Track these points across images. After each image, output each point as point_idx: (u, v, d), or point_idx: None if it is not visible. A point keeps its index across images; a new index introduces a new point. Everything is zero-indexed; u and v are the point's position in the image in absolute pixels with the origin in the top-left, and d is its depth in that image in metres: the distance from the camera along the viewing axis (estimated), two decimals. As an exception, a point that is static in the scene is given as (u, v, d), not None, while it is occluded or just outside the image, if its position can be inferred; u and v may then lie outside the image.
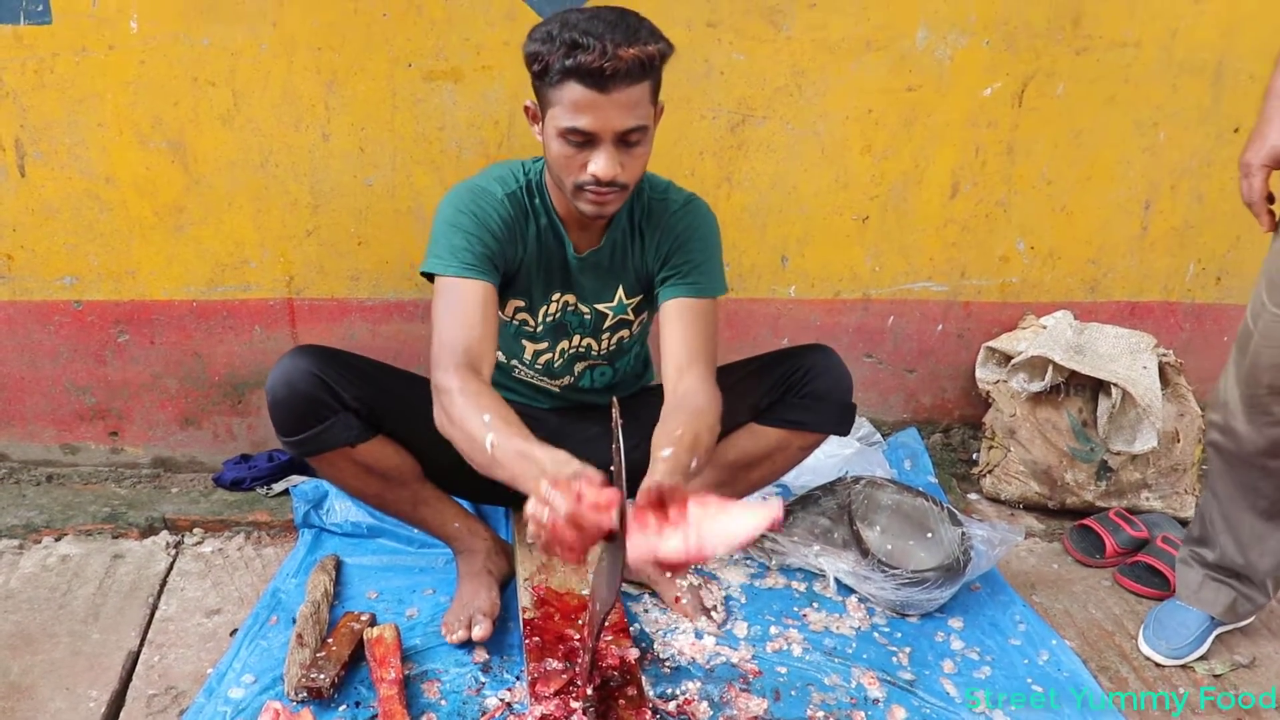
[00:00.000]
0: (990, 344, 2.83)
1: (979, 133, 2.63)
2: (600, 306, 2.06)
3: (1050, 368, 2.63)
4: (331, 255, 2.51)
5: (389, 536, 2.40)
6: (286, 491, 2.57)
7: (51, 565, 2.31)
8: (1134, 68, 2.59)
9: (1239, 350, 2.01)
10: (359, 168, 2.44)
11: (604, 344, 2.13)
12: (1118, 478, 2.69)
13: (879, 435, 2.85)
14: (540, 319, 2.06)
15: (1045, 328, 2.74)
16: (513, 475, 1.53)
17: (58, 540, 2.40)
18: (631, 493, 1.53)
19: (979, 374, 2.86)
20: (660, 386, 2.13)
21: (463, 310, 1.80)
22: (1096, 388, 2.68)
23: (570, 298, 2.04)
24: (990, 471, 2.80)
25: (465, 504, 2.28)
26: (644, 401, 2.05)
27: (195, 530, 2.46)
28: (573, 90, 1.65)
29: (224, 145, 2.39)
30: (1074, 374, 2.64)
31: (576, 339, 2.11)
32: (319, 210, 2.47)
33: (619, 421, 1.54)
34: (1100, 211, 2.77)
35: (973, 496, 2.83)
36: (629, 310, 2.09)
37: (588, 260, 1.99)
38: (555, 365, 2.14)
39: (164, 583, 2.27)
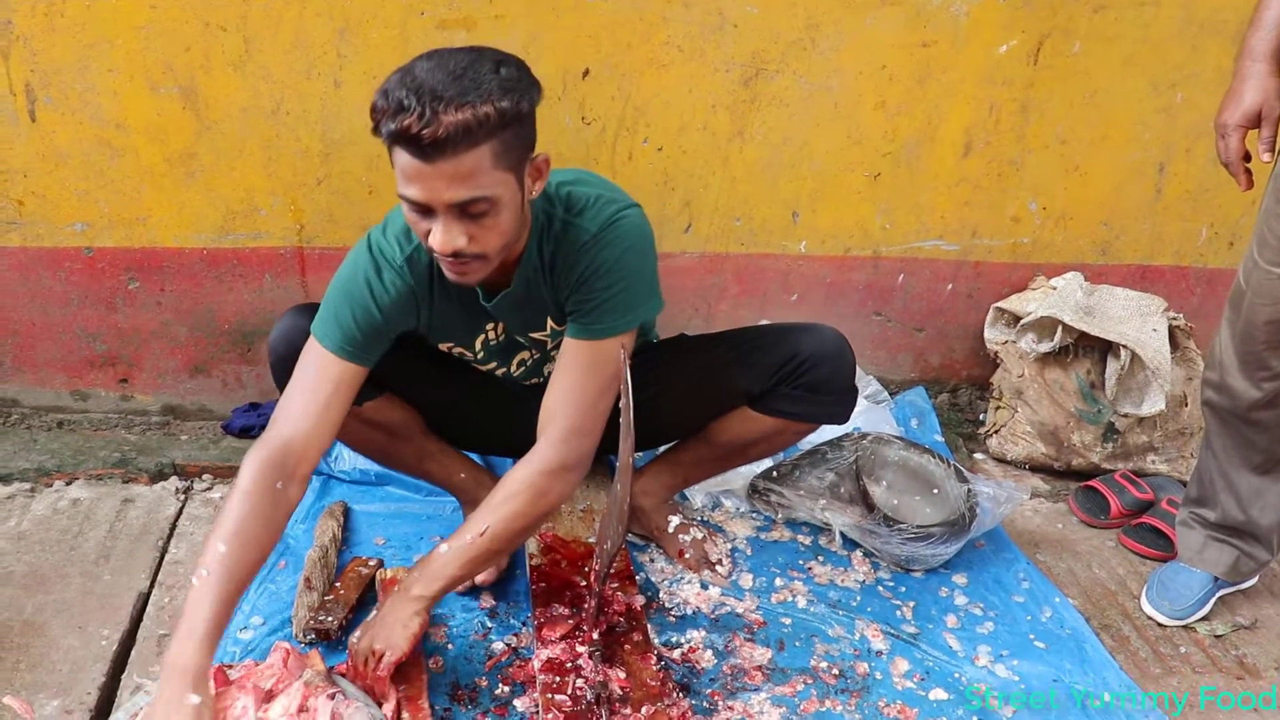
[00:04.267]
0: (1000, 304, 2.82)
1: (993, 90, 2.61)
2: (534, 335, 1.91)
3: (1059, 329, 2.63)
4: (342, 204, 2.51)
5: (397, 484, 2.41)
6: (295, 440, 2.58)
7: (63, 508, 2.32)
8: (1153, 27, 2.56)
9: (1232, 308, 2.02)
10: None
11: (555, 353, 1.93)
12: (1124, 440, 2.70)
13: (886, 394, 2.85)
14: (479, 350, 1.95)
15: (1055, 289, 2.73)
16: (174, 632, 1.49)
17: (69, 484, 2.42)
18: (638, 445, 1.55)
19: (988, 334, 2.85)
20: (664, 343, 2.15)
21: (312, 393, 1.70)
22: (1105, 350, 2.67)
23: (504, 324, 1.89)
24: (997, 432, 2.80)
25: (473, 455, 2.29)
26: (649, 360, 2.04)
27: (204, 476, 2.48)
28: (400, 156, 1.46)
29: (235, 92, 2.38)
30: (1083, 335, 2.64)
31: (533, 351, 1.98)
32: (330, 158, 2.46)
33: (627, 363, 1.55)
34: (1114, 173, 2.75)
35: (979, 456, 2.83)
36: (564, 333, 1.85)
37: (502, 303, 1.80)
38: (516, 374, 2.03)
39: (174, 527, 2.29)
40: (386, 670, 1.65)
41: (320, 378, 1.70)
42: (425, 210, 1.51)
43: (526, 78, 1.52)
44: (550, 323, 1.86)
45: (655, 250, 1.82)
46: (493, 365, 1.99)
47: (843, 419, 2.09)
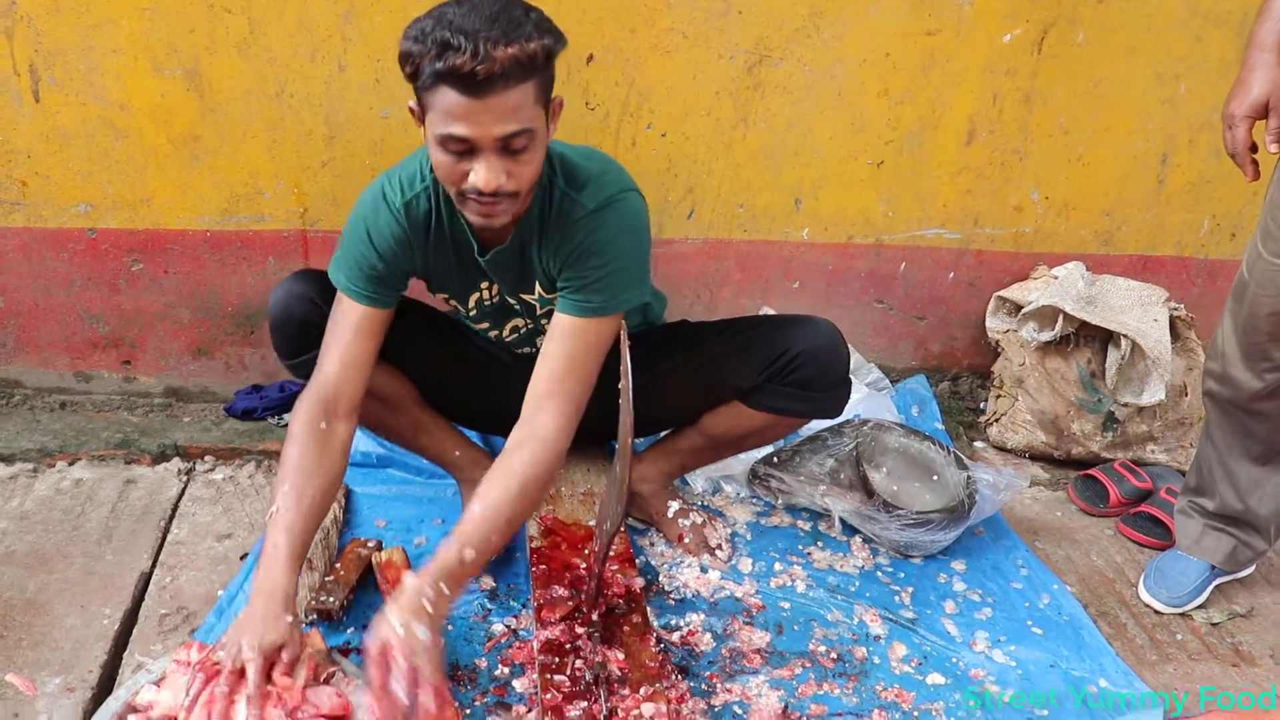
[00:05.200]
0: (1001, 293, 2.82)
1: (997, 80, 2.61)
2: (525, 297, 1.93)
3: (1060, 318, 2.63)
4: (346, 187, 2.51)
5: (398, 467, 2.42)
6: (297, 422, 2.59)
7: (65, 488, 2.33)
8: (1157, 17, 2.56)
9: (1235, 299, 2.02)
10: (375, 99, 2.43)
11: (546, 324, 1.94)
12: (1124, 429, 2.70)
13: (887, 382, 2.86)
14: (472, 307, 1.97)
15: (1057, 278, 2.74)
16: (259, 561, 1.63)
17: (71, 464, 2.43)
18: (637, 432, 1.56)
19: (989, 323, 2.86)
20: (665, 328, 2.16)
21: (337, 337, 1.79)
22: (1106, 339, 2.68)
23: (498, 284, 1.92)
24: (997, 420, 2.81)
25: (471, 434, 2.30)
26: (653, 341, 2.05)
27: (207, 457, 2.49)
28: (446, 96, 1.49)
29: (240, 74, 2.38)
30: (1084, 325, 2.64)
31: (526, 319, 2.01)
32: (334, 142, 2.46)
33: (627, 344, 1.55)
34: (1117, 163, 2.76)
35: (979, 445, 2.84)
36: (553, 301, 1.88)
37: (496, 259, 1.83)
38: (508, 340, 2.06)
39: (176, 507, 2.30)
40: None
41: (343, 322, 1.79)
42: (466, 151, 1.54)
43: (553, 23, 1.57)
44: (538, 288, 1.88)
45: (650, 237, 1.84)
46: (485, 326, 2.02)
47: (834, 414, 2.09)
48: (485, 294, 1.94)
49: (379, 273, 1.79)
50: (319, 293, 1.89)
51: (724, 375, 2.03)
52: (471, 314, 1.99)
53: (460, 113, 1.49)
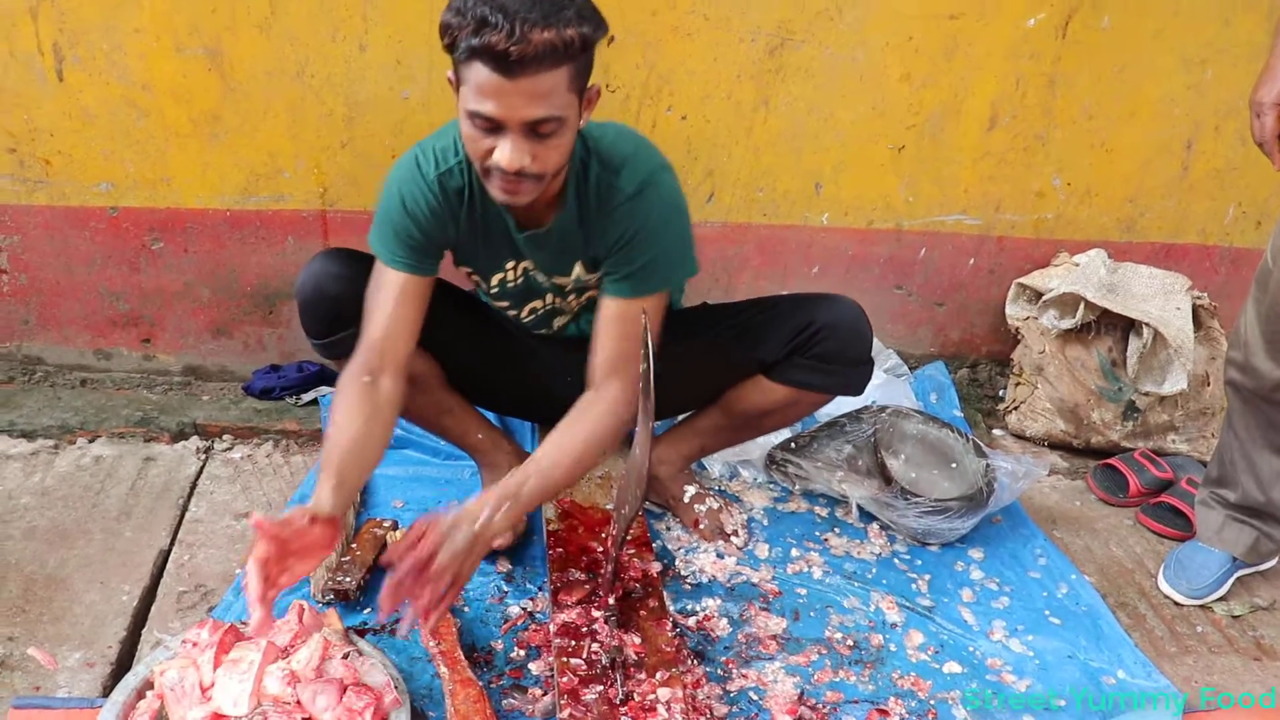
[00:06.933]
0: (1022, 280, 2.80)
1: (1020, 64, 2.59)
2: (558, 280, 1.93)
3: (1082, 305, 2.61)
4: (366, 167, 2.51)
5: (415, 448, 2.43)
6: (315, 402, 2.60)
7: (85, 465, 2.35)
8: (1184, 1, 2.53)
9: (1259, 288, 2.00)
10: (395, 80, 2.42)
11: (573, 304, 2.02)
12: (1145, 419, 2.68)
13: (906, 368, 2.85)
14: (494, 285, 1.98)
15: (1078, 265, 2.72)
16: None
17: (91, 442, 2.44)
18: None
19: (1009, 310, 2.84)
20: (686, 311, 2.15)
21: (379, 303, 1.81)
22: (1128, 327, 2.66)
23: (528, 264, 1.93)
24: (1016, 408, 2.79)
25: (491, 417, 2.30)
26: (672, 326, 2.04)
27: (225, 436, 2.50)
28: (479, 72, 1.49)
29: (261, 54, 2.38)
30: (1105, 313, 2.63)
31: (550, 297, 2.00)
32: (354, 122, 2.46)
33: (649, 329, 1.55)
34: (1141, 150, 2.73)
35: (997, 433, 2.83)
36: (590, 282, 1.93)
37: (534, 239, 1.84)
38: (525, 321, 2.06)
39: (194, 485, 2.31)
40: (447, 604, 1.59)
41: (385, 290, 1.81)
42: (493, 128, 1.54)
43: (597, 10, 1.56)
44: (577, 269, 1.89)
45: (688, 209, 1.86)
46: (504, 305, 2.02)
47: (857, 391, 2.09)
48: (510, 274, 1.94)
49: (417, 241, 1.81)
50: (351, 271, 1.90)
51: (747, 350, 2.03)
52: (493, 292, 1.99)
53: (491, 91, 1.50)
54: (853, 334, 2.00)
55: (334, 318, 1.92)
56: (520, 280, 1.95)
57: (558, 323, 2.06)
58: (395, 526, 2.09)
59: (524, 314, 2.03)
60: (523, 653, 1.84)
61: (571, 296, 1.98)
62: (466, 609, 1.94)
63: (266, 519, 1.48)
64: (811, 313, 1.99)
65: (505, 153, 1.55)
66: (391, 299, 1.80)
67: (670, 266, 1.84)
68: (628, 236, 1.77)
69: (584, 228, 1.81)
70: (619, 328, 1.79)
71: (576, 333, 2.07)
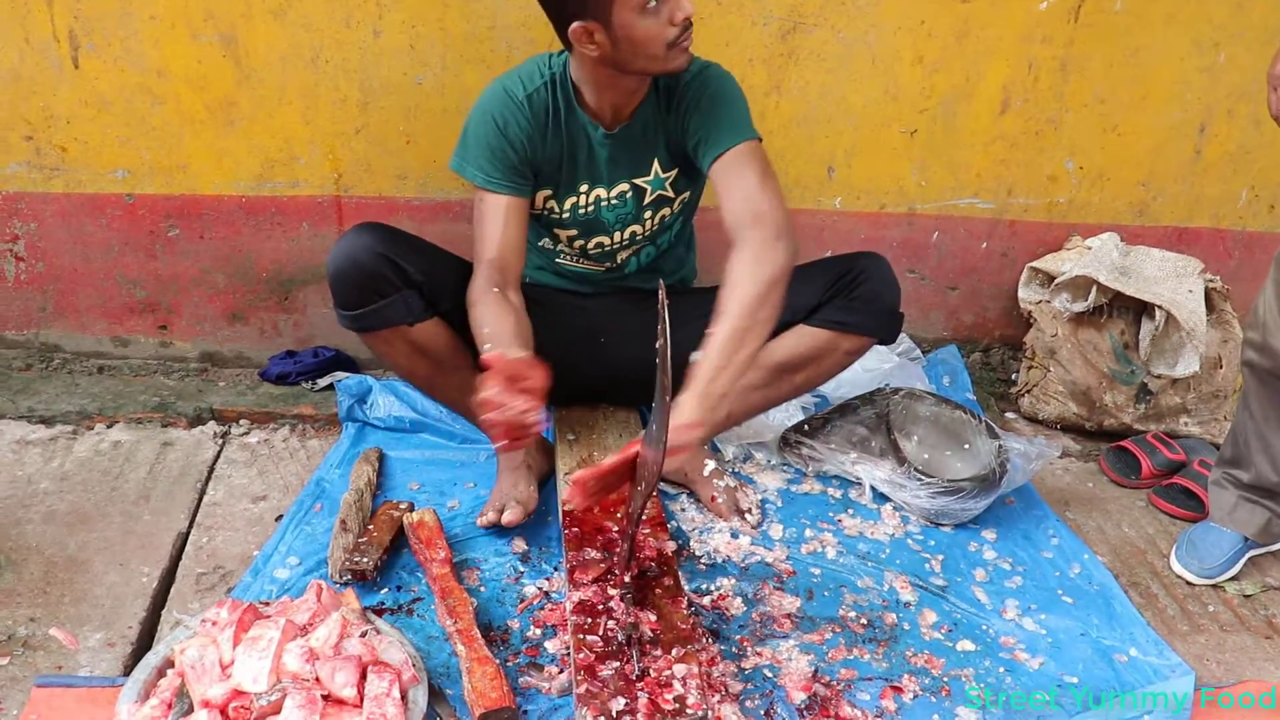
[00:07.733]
0: (1034, 263, 2.81)
1: (1033, 48, 2.59)
2: (638, 181, 2.11)
3: (1094, 288, 2.62)
4: (380, 153, 2.52)
5: (431, 431, 2.44)
6: (331, 387, 2.62)
7: (104, 450, 2.37)
8: (1196, -16, 2.54)
9: (1278, 268, 2.00)
10: (409, 65, 2.44)
11: (647, 225, 2.20)
12: (1157, 401, 2.69)
13: (919, 351, 2.85)
14: (566, 210, 2.13)
15: (1091, 249, 2.72)
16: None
17: (109, 427, 2.46)
18: (675, 385, 1.57)
19: (1021, 293, 2.84)
20: (704, 290, 2.15)
21: (489, 223, 2.00)
22: (1140, 310, 2.66)
23: (600, 191, 2.12)
24: (1029, 391, 2.80)
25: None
26: (690, 304, 2.05)
27: (242, 421, 2.52)
28: None
29: (275, 40, 2.39)
30: (1118, 295, 2.63)
31: (618, 234, 2.18)
32: (368, 108, 2.48)
33: (665, 302, 1.56)
34: (1153, 133, 2.73)
35: (1010, 415, 2.83)
36: (667, 185, 2.14)
37: (619, 136, 2.05)
38: (592, 252, 2.21)
39: (212, 470, 2.33)
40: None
41: (490, 214, 2.02)
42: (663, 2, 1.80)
43: None
44: (656, 167, 2.11)
45: None
46: (573, 233, 2.20)
47: (891, 338, 2.17)
48: (583, 198, 2.12)
49: (512, 161, 2.01)
50: (386, 245, 1.97)
51: (787, 300, 2.03)
52: (564, 218, 2.15)
53: None
54: (889, 280, 2.12)
55: (366, 288, 1.96)
56: (591, 209, 2.13)
57: (621, 256, 2.21)
58: (411, 508, 2.10)
59: (590, 245, 2.20)
60: (539, 631, 1.86)
61: (648, 215, 2.17)
62: (483, 589, 1.95)
63: (499, 356, 1.64)
64: (850, 261, 2.12)
65: (685, 4, 1.81)
66: (500, 221, 2.00)
67: (746, 116, 2.02)
68: (702, 101, 2.00)
69: (663, 112, 2.05)
70: (737, 178, 1.92)
71: (636, 268, 2.27)
